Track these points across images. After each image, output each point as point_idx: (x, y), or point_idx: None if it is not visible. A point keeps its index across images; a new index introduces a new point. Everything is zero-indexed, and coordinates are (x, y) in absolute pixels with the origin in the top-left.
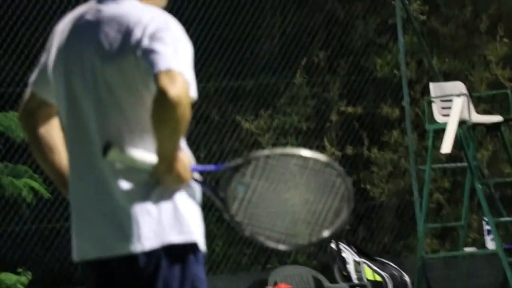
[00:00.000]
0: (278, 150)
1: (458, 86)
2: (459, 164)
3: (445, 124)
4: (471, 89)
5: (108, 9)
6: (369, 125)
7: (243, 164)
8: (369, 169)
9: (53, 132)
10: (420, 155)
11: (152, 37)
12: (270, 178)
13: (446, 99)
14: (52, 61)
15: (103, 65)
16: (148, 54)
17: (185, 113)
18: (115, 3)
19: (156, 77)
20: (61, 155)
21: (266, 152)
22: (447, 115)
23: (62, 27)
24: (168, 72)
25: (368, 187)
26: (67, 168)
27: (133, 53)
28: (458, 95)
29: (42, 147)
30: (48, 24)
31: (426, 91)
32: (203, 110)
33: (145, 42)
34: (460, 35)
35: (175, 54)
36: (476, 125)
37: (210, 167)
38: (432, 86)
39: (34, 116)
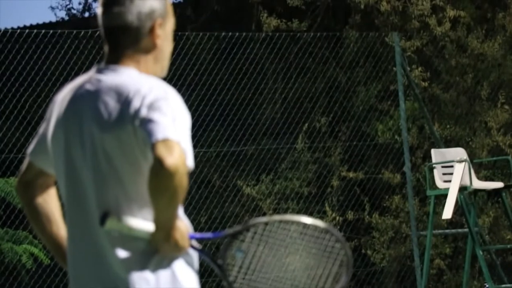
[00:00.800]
0: (277, 217)
1: (459, 152)
2: (460, 230)
3: (446, 190)
4: (472, 155)
5: (107, 79)
6: (370, 191)
7: (241, 231)
8: (370, 235)
9: (51, 202)
10: (421, 221)
11: (150, 107)
12: (269, 244)
13: (447, 165)
14: (51, 131)
15: (102, 135)
16: (145, 123)
17: (182, 182)
18: (114, 73)
19: (153, 146)
20: (59, 225)
21: (264, 219)
22: (448, 181)
23: (62, 97)
24: (165, 141)
25: (369, 252)
26: (64, 238)
27: (131, 123)
28: (459, 161)
29: (39, 217)
30: (50, 91)
31: (427, 157)
32: (205, 174)
33: (143, 112)
34: (461, 102)
35: (172, 123)
36: (477, 191)
37: (208, 235)
38: (433, 152)
39: (32, 186)
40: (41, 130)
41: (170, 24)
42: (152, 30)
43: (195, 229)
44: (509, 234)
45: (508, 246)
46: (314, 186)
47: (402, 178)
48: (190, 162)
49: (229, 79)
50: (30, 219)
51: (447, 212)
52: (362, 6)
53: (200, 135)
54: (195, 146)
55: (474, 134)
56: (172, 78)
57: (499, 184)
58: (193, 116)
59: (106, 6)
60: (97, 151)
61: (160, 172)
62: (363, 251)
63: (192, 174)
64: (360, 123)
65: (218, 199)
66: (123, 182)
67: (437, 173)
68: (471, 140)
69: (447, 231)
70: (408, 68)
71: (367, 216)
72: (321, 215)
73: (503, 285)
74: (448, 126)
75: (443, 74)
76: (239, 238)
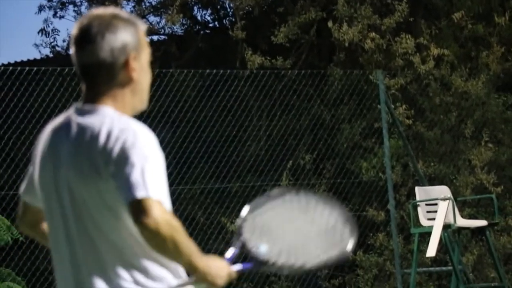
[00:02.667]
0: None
1: (443, 190)
2: (444, 268)
3: (430, 227)
4: (456, 193)
5: (83, 121)
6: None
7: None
8: (355, 272)
9: None
10: (405, 259)
11: (119, 158)
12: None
13: (431, 203)
14: (36, 172)
15: (77, 182)
16: (116, 179)
17: (170, 232)
18: (90, 114)
19: (128, 207)
20: None
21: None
22: (432, 219)
23: (44, 138)
24: (137, 202)
25: None
26: None
27: (103, 174)
28: (443, 199)
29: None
30: (34, 128)
31: (411, 194)
32: (189, 211)
33: (112, 165)
34: (445, 140)
35: (141, 176)
36: (461, 229)
37: (247, 265)
38: (417, 189)
39: (36, 223)
40: (30, 170)
41: (145, 55)
42: (126, 64)
43: None
44: (493, 272)
45: (492, 284)
46: None
47: (386, 215)
48: (167, 207)
49: (213, 116)
50: (43, 243)
51: (431, 250)
52: (347, 44)
53: (184, 172)
54: (179, 183)
55: (458, 172)
56: (157, 115)
57: (483, 222)
58: (177, 153)
59: (78, 45)
60: (73, 196)
61: (144, 234)
62: None
63: (176, 211)
64: (345, 160)
65: (202, 236)
66: (102, 229)
67: (421, 211)
68: (455, 178)
69: (431, 269)
70: (392, 106)
71: (352, 254)
72: None
73: None
74: (432, 164)
75: (427, 112)
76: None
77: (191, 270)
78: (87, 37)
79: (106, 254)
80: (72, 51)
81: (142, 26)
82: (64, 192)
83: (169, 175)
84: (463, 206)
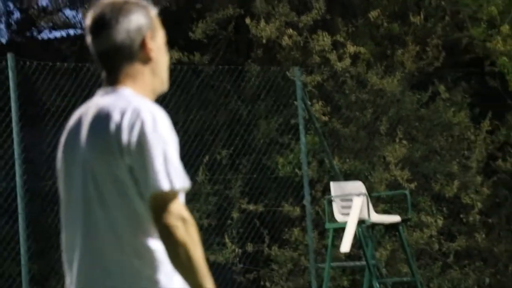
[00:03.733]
0: None
1: (358, 186)
2: (358, 263)
3: (344, 223)
4: (370, 189)
5: (102, 102)
6: (270, 223)
7: None
8: (269, 267)
9: None
10: (320, 253)
11: (139, 144)
12: None
13: (346, 199)
14: (59, 156)
15: (94, 163)
16: (136, 167)
17: (185, 234)
18: (110, 95)
19: (149, 199)
20: None
21: None
22: (347, 214)
23: (70, 125)
24: (160, 195)
25: (268, 284)
26: None
27: (121, 157)
28: (358, 195)
29: None
30: None
31: (326, 190)
32: None
33: (130, 150)
34: (360, 136)
35: (164, 165)
36: (375, 225)
37: None
38: (332, 185)
39: None
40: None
41: (160, 36)
42: (143, 44)
43: None
44: (405, 267)
45: (404, 279)
46: (214, 218)
47: (302, 211)
48: (186, 183)
49: None
50: None
51: (345, 245)
52: (264, 41)
53: None
54: None
55: (373, 168)
56: (72, 110)
57: (396, 218)
58: None
59: (94, 32)
60: (88, 177)
61: (161, 230)
62: (262, 283)
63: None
64: (261, 156)
65: None
66: (109, 209)
67: (336, 206)
68: (370, 174)
69: (345, 263)
70: (309, 103)
71: (267, 248)
72: (220, 247)
73: None
74: (347, 160)
75: (343, 109)
76: None
77: None
78: (102, 24)
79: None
80: (88, 40)
81: (153, 9)
82: (80, 173)
83: None
84: (377, 202)
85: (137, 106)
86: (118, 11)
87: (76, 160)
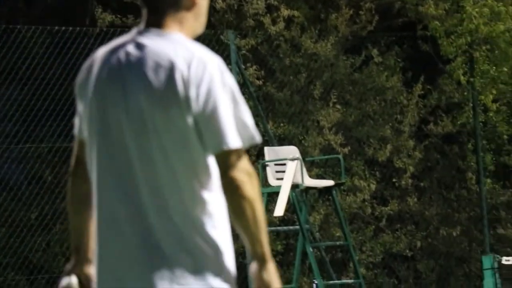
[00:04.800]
0: None
1: (291, 151)
2: (291, 227)
3: (278, 187)
4: (304, 153)
5: (153, 44)
6: None
7: None
8: None
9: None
10: None
11: (209, 94)
12: None
13: (280, 163)
14: (88, 96)
15: (151, 108)
16: (204, 121)
17: (253, 191)
18: (160, 38)
19: (217, 156)
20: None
21: None
22: (281, 179)
23: (99, 60)
24: (229, 152)
25: None
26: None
27: (186, 108)
28: (292, 159)
29: (89, 201)
30: None
31: (260, 154)
32: (36, 170)
33: (201, 104)
34: (294, 101)
35: (233, 121)
36: (308, 189)
37: None
38: (266, 150)
39: (87, 171)
40: (79, 107)
41: None
42: None
43: (25, 226)
44: (338, 232)
45: (337, 243)
46: None
47: None
48: (256, 138)
49: (62, 74)
50: (81, 205)
51: (279, 210)
52: None
53: (31, 130)
54: (26, 141)
55: (307, 132)
56: (3, 71)
57: (329, 182)
58: (24, 110)
59: None
60: (145, 123)
61: (229, 188)
62: None
63: (23, 170)
64: None
65: (49, 195)
66: (168, 156)
67: (270, 171)
68: (304, 138)
69: (279, 228)
70: (243, 66)
71: None
72: None
73: (332, 282)
74: (281, 124)
75: (277, 73)
76: None
77: (256, 252)
78: None
79: (167, 177)
80: None
81: None
82: (134, 118)
83: (16, 133)
84: (311, 166)
85: (202, 56)
86: None
87: (120, 105)
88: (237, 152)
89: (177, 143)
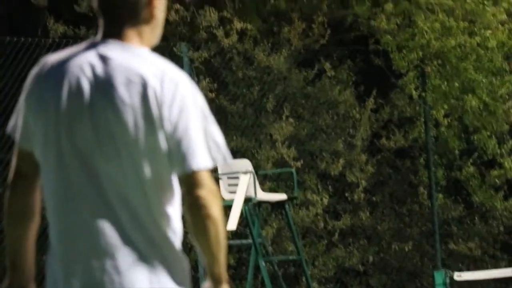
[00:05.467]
0: None
1: (244, 164)
2: (244, 241)
3: (231, 201)
4: (257, 167)
5: (120, 59)
6: None
7: None
8: None
9: (38, 198)
10: None
11: (181, 118)
12: None
13: (233, 176)
14: (37, 111)
15: (122, 126)
16: (176, 140)
17: (219, 213)
18: (124, 51)
19: (185, 174)
20: (36, 224)
21: None
22: (234, 192)
23: (51, 69)
24: (196, 173)
25: None
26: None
27: (159, 126)
28: (245, 173)
29: (32, 217)
30: None
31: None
32: None
33: (173, 123)
34: (247, 114)
35: (204, 141)
36: (261, 203)
37: None
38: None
39: (30, 185)
40: (21, 112)
41: None
42: (150, 1)
43: None
44: (291, 246)
45: (290, 257)
46: None
47: None
48: (227, 157)
49: (14, 85)
50: (18, 220)
51: (232, 223)
52: None
53: None
54: None
55: (260, 146)
56: None
57: (282, 196)
58: None
59: None
60: (114, 140)
61: (195, 209)
62: None
63: None
64: None
65: None
66: (137, 170)
67: (223, 184)
68: (257, 152)
69: (231, 242)
70: (196, 79)
71: None
72: None
73: None
74: (234, 137)
75: (230, 86)
76: None
77: (213, 272)
78: None
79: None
80: None
81: None
82: (100, 133)
83: None
84: (264, 179)
85: (174, 75)
86: None
87: (85, 120)
88: (206, 172)
89: (146, 159)
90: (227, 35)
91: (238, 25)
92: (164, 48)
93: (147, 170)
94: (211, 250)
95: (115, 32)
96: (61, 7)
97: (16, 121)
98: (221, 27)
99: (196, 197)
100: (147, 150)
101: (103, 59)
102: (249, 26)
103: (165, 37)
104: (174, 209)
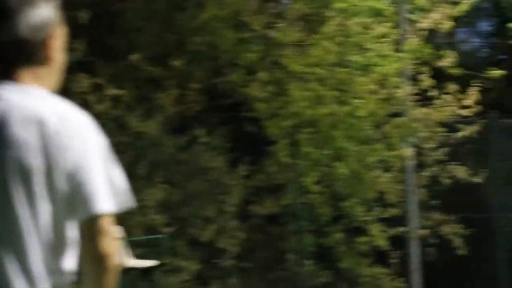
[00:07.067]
0: None
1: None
2: None
3: None
4: (127, 233)
5: (16, 99)
6: None
7: None
8: None
9: None
10: None
11: (82, 157)
12: None
13: None
14: None
15: (15, 170)
16: (78, 184)
17: (115, 261)
18: (19, 92)
19: (84, 220)
20: None
21: None
22: None
23: None
24: (98, 218)
25: None
26: None
27: (56, 169)
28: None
29: None
30: None
31: None
32: None
33: (73, 163)
34: None
35: (105, 184)
36: (130, 269)
37: None
38: None
39: None
40: None
41: (63, 33)
42: (46, 42)
43: None
44: None
45: None
46: None
47: None
48: (129, 201)
49: None
50: None
51: None
52: None
53: None
54: None
55: (131, 212)
56: None
57: (152, 263)
58: None
59: None
60: (5, 183)
61: (95, 255)
62: None
63: None
64: None
65: None
66: (32, 212)
67: None
68: (128, 218)
69: None
70: None
71: None
72: None
73: None
74: None
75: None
76: None
77: None
78: (3, 13)
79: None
80: None
81: (58, 1)
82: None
83: None
84: (135, 246)
85: (74, 116)
86: (24, 1)
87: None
88: (108, 218)
89: (43, 203)
90: (100, 101)
91: (111, 91)
92: None
93: (43, 215)
94: None
95: (8, 74)
96: None
97: None
98: (94, 93)
99: (98, 246)
100: (44, 192)
101: (8, 105)
102: (122, 92)
103: None
104: (69, 260)
